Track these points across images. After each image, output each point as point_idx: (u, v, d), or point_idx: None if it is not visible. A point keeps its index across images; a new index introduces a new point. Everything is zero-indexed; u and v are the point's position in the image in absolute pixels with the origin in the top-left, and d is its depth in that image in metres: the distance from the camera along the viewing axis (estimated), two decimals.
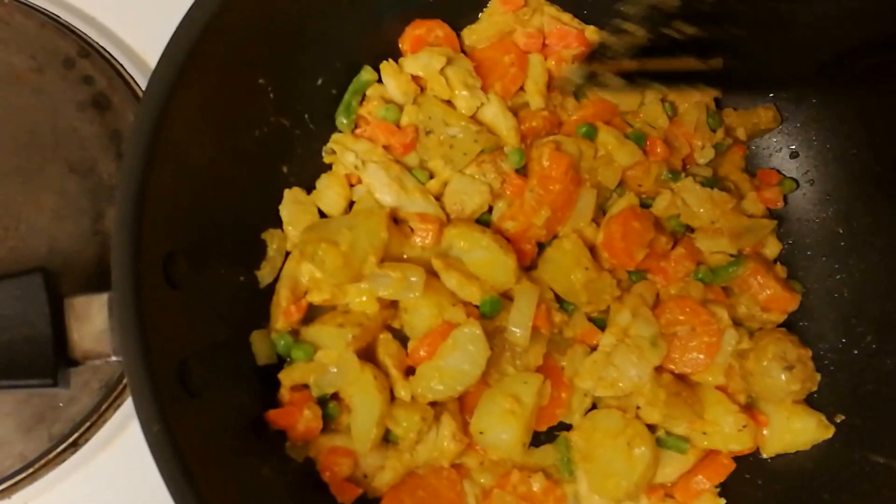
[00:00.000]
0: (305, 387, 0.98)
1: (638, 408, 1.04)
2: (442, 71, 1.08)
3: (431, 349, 0.98)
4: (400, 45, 1.12)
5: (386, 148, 1.08)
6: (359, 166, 1.05)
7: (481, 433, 0.98)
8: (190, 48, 0.85)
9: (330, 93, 1.08)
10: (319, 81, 1.06)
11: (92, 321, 0.79)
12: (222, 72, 0.91)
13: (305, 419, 0.96)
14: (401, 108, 1.09)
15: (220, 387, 0.88)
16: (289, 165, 1.04)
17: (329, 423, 0.99)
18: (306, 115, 1.05)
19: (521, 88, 1.14)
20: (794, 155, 1.18)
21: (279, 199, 1.03)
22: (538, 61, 1.14)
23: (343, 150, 1.07)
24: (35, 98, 1.09)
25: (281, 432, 0.95)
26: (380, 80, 1.10)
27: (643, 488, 1.03)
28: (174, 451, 0.75)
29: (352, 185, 1.08)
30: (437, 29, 1.13)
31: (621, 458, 1.01)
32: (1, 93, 1.09)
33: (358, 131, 1.09)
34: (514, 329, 1.01)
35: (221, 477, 0.82)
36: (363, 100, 1.10)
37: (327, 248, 0.96)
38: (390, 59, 1.10)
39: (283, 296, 1.00)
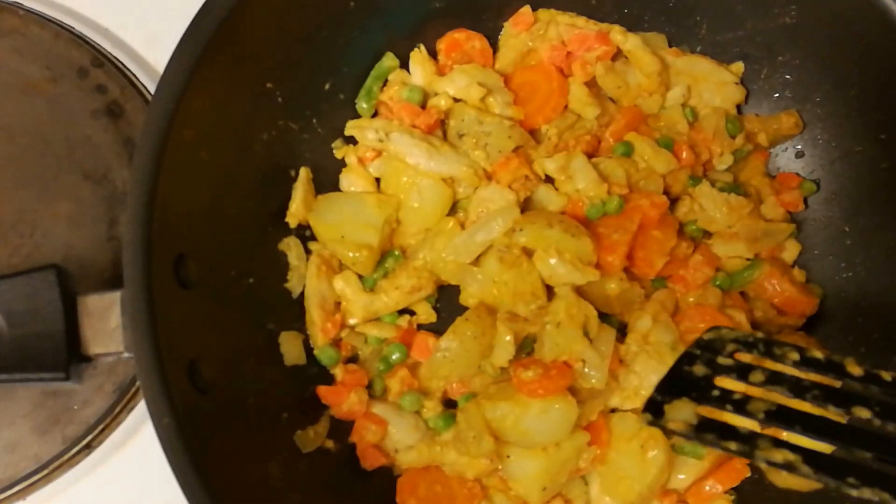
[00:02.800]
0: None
1: None
2: (482, 99, 1.10)
3: None
4: (437, 46, 1.14)
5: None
6: (382, 138, 1.06)
7: (508, 457, 0.98)
8: (199, 53, 0.88)
9: (338, 97, 1.09)
10: (327, 86, 1.07)
11: (104, 318, 0.80)
12: (231, 76, 0.93)
13: (350, 402, 1.01)
14: (423, 91, 1.11)
15: (228, 384, 0.89)
16: (296, 169, 1.06)
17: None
18: (314, 120, 1.07)
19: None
20: (799, 154, 1.18)
21: (286, 203, 1.04)
22: (574, 79, 1.14)
23: (362, 130, 1.08)
24: (50, 107, 1.11)
25: (293, 424, 0.97)
26: (402, 67, 1.12)
27: (656, 492, 1.02)
28: (184, 443, 0.77)
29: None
30: (476, 40, 1.15)
31: (635, 462, 1.00)
32: (17, 102, 1.11)
33: (377, 118, 1.11)
34: (592, 373, 0.99)
35: (231, 470, 0.83)
36: (384, 85, 1.12)
37: (368, 255, 1.04)
38: (421, 46, 1.12)
39: (315, 315, 1.03)
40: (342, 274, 1.06)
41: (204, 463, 0.78)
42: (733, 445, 0.74)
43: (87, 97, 1.12)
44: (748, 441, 0.74)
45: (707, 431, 0.76)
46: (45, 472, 0.99)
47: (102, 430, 1.01)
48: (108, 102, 1.12)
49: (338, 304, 1.06)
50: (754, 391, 0.77)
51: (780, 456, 0.73)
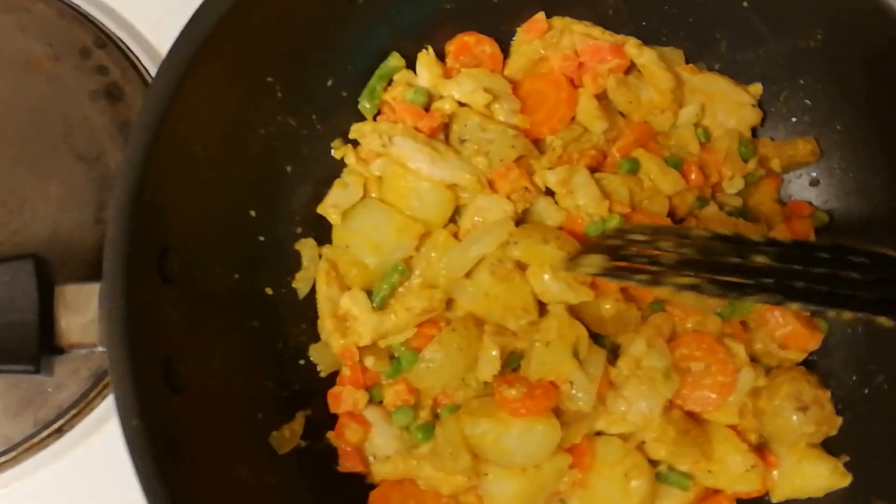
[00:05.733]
0: None
1: (643, 442, 1.00)
2: (487, 106, 1.07)
3: None
4: (445, 48, 1.12)
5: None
6: (385, 143, 1.04)
7: (486, 475, 0.96)
8: (200, 42, 0.86)
9: (340, 95, 1.07)
10: (329, 83, 1.05)
11: (81, 310, 0.79)
12: (231, 69, 0.92)
13: (350, 402, 1.01)
14: (428, 93, 1.08)
15: (204, 382, 0.88)
16: (293, 165, 1.04)
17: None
18: (314, 116, 1.05)
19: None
20: (814, 182, 1.14)
21: (282, 199, 1.03)
22: (584, 91, 1.11)
23: (365, 135, 1.06)
24: (49, 85, 1.10)
25: (268, 425, 0.96)
26: (408, 67, 1.10)
27: None
28: (151, 448, 0.75)
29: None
30: (486, 45, 1.12)
31: (616, 489, 0.98)
32: (17, 78, 1.10)
33: (380, 118, 1.09)
34: (578, 395, 0.96)
35: (199, 474, 0.81)
36: (388, 85, 1.09)
37: (358, 274, 1.03)
38: (429, 47, 1.10)
39: (328, 323, 1.02)
40: (349, 292, 1.03)
41: (171, 468, 0.76)
42: (642, 276, 0.85)
43: (87, 78, 1.11)
44: (655, 274, 0.84)
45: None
46: (14, 453, 0.99)
47: (75, 415, 1.00)
48: (107, 84, 1.11)
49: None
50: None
51: (686, 280, 0.82)
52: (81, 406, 1.00)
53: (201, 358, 0.88)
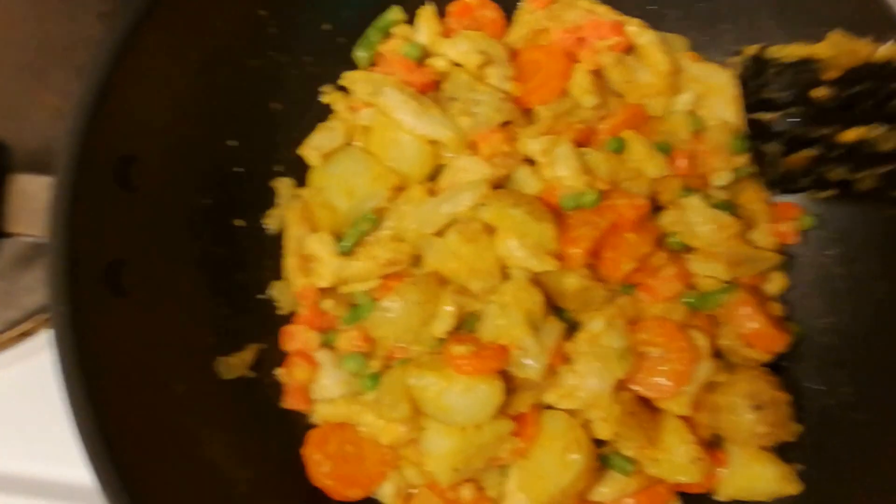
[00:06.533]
0: None
1: (590, 421, 0.98)
2: (480, 68, 1.07)
3: None
4: (448, 8, 1.12)
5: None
6: (374, 93, 1.05)
7: (423, 429, 0.96)
8: None
9: (336, 41, 1.08)
10: (327, 27, 1.06)
11: (32, 199, 0.81)
12: None
13: (302, 340, 1.03)
14: (424, 49, 1.09)
15: (155, 296, 0.89)
16: (280, 104, 1.05)
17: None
18: (306, 58, 1.06)
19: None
20: None
21: (264, 135, 1.04)
22: (579, 66, 1.10)
23: (355, 83, 1.07)
24: (60, 3, 1.13)
25: (217, 349, 0.98)
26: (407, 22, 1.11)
27: (571, 498, 0.98)
28: (77, 338, 0.77)
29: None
30: (489, 9, 1.12)
31: (554, 462, 0.97)
32: None
33: (375, 69, 1.10)
34: (528, 362, 0.96)
35: (127, 376, 0.83)
36: (387, 37, 1.10)
37: (326, 216, 1.04)
38: (431, 4, 1.10)
39: (292, 261, 1.04)
40: (317, 234, 1.04)
41: (95, 362, 0.78)
42: None
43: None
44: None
45: None
46: None
47: (42, 321, 1.02)
48: (118, 7, 1.13)
49: None
50: None
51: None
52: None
53: (156, 270, 0.90)
